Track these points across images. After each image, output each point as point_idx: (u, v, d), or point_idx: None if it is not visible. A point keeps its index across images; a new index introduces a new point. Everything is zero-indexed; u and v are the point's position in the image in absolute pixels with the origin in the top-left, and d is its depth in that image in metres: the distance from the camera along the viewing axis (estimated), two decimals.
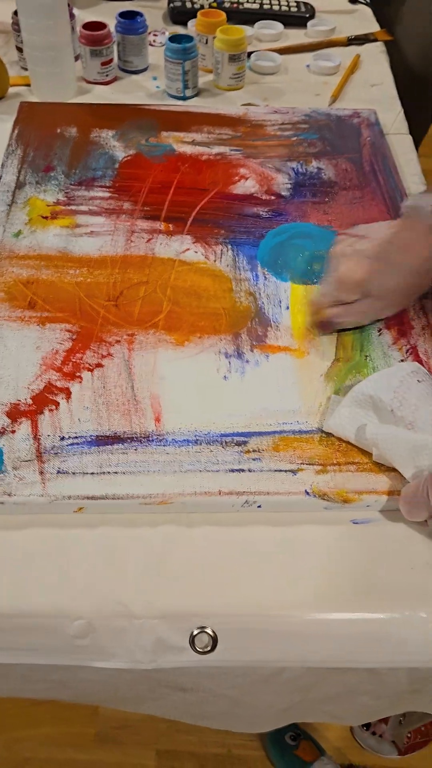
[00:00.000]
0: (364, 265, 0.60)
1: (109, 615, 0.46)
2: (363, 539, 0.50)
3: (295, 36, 1.05)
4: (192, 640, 0.45)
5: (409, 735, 1.13)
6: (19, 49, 0.92)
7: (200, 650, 0.45)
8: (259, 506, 0.50)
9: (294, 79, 0.96)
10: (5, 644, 0.46)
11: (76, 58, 0.93)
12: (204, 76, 0.95)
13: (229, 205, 0.74)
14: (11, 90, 0.91)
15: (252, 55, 0.97)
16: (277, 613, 0.46)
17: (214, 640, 0.45)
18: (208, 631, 0.46)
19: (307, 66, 0.98)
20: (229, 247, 0.69)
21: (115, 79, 0.94)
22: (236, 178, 0.77)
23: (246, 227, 0.72)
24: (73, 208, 0.72)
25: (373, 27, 1.07)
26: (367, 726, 1.13)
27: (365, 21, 1.10)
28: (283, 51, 1.00)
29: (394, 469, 0.51)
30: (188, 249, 0.69)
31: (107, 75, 0.92)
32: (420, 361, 0.59)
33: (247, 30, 1.01)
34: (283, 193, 0.76)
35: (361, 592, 0.47)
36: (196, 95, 0.92)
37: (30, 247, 0.67)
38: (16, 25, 0.90)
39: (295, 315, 0.63)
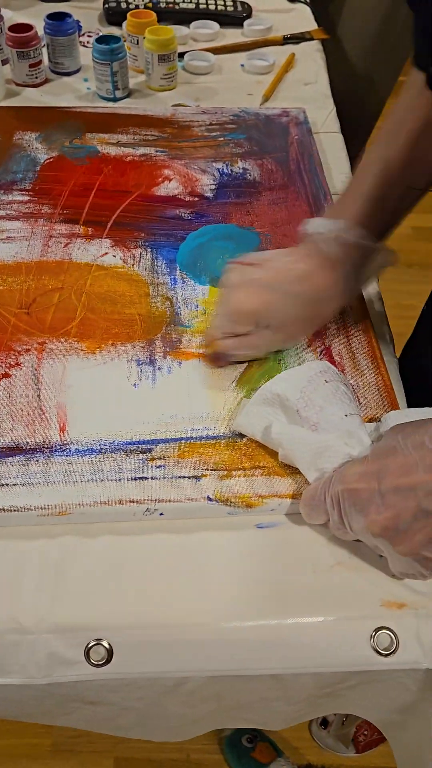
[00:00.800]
0: (259, 294, 0.57)
1: (0, 631, 0.45)
2: (267, 544, 0.49)
3: (232, 35, 1.04)
4: (87, 652, 0.45)
5: (365, 732, 1.13)
6: None
7: (95, 663, 0.45)
8: (161, 514, 0.49)
9: (227, 79, 0.95)
10: None
11: (5, 61, 0.92)
12: (136, 76, 0.94)
13: (151, 207, 0.73)
14: None
15: (186, 55, 0.96)
16: (175, 622, 0.45)
17: (110, 652, 0.45)
18: (104, 643, 0.45)
19: (242, 65, 0.98)
20: (149, 250, 0.69)
21: (45, 81, 0.93)
22: (160, 179, 0.76)
23: (167, 230, 0.71)
24: None
25: (311, 26, 1.07)
26: (325, 725, 1.12)
27: (303, 20, 1.09)
28: (217, 51, 0.99)
29: (298, 472, 0.51)
30: (106, 253, 0.68)
31: (36, 77, 0.91)
32: (333, 363, 0.59)
33: (182, 30, 1.01)
34: (206, 195, 0.75)
35: (263, 598, 0.47)
36: (127, 96, 0.91)
37: None
38: None
39: (210, 320, 0.63)
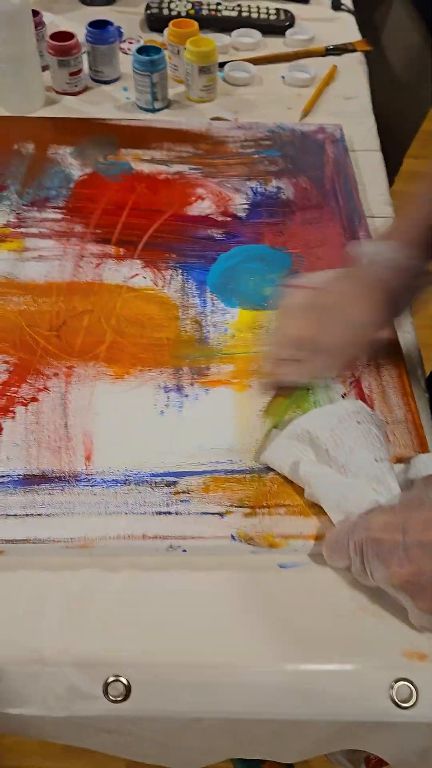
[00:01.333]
0: (316, 320, 0.57)
1: (22, 661, 0.45)
2: (289, 585, 0.49)
3: (273, 45, 1.03)
4: (105, 688, 0.45)
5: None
6: None
7: (114, 699, 0.45)
8: (183, 550, 0.49)
9: (267, 91, 0.94)
10: None
11: (45, 68, 0.92)
12: (176, 87, 0.94)
13: (183, 227, 0.73)
14: None
15: (226, 65, 0.95)
16: (193, 662, 0.45)
17: (128, 688, 0.45)
18: (122, 680, 0.45)
19: (282, 77, 0.96)
20: (180, 271, 0.68)
21: (84, 90, 0.93)
22: (193, 198, 0.76)
23: (198, 251, 0.70)
24: (23, 230, 0.71)
25: (354, 36, 1.05)
26: None
27: (347, 30, 1.07)
28: (258, 61, 0.98)
29: (323, 512, 0.50)
30: (137, 274, 0.68)
31: (76, 85, 0.91)
32: (362, 395, 0.58)
33: (224, 38, 1.00)
34: (239, 214, 0.74)
35: (281, 642, 0.46)
36: (166, 107, 0.91)
37: None
38: None
39: (239, 344, 0.62)
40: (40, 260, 0.68)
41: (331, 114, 0.90)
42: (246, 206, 0.75)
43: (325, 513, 0.50)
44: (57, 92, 0.91)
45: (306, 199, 0.76)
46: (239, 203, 0.76)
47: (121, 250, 0.70)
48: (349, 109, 0.91)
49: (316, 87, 0.93)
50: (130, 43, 1.00)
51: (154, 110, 0.89)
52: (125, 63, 0.95)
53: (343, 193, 0.76)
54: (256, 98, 0.92)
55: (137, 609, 0.47)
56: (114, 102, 0.91)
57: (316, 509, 0.51)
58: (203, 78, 0.89)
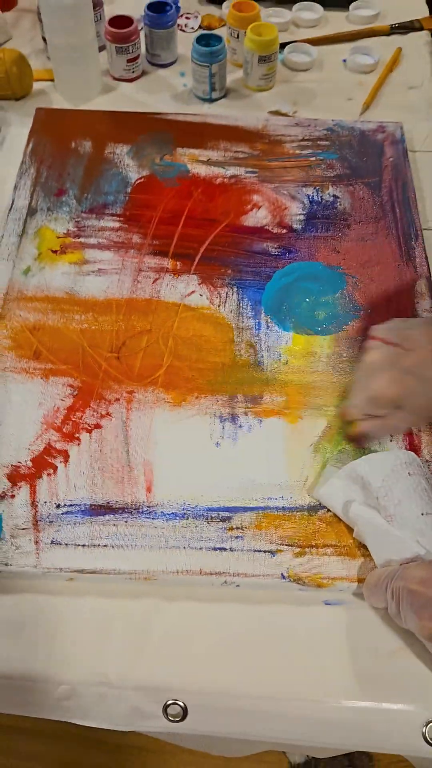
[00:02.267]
0: (400, 381, 0.57)
1: (90, 683, 0.50)
2: (333, 621, 0.53)
3: (336, 20, 0.98)
4: (165, 709, 0.50)
5: None
6: (45, 40, 0.90)
7: (172, 719, 0.50)
8: (237, 586, 0.53)
9: (328, 78, 0.91)
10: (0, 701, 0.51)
11: (101, 48, 0.89)
12: (234, 71, 0.91)
13: (239, 239, 0.73)
14: (36, 85, 0.89)
15: (286, 47, 0.92)
16: (243, 692, 0.50)
17: (185, 710, 0.50)
18: (180, 703, 0.50)
19: (344, 61, 0.92)
20: (235, 289, 0.69)
21: (141, 75, 0.91)
22: (248, 206, 0.76)
23: (254, 266, 0.71)
24: (83, 240, 0.72)
25: (422, 11, 0.99)
26: None
27: (414, 3, 1.01)
28: (319, 41, 0.94)
29: (368, 554, 0.53)
30: (193, 291, 0.69)
31: (133, 71, 0.89)
32: (410, 434, 0.60)
33: (284, 14, 0.96)
34: (295, 226, 0.74)
35: (325, 677, 0.51)
36: (223, 96, 0.89)
37: (38, 287, 0.68)
38: (40, 15, 0.86)
39: (292, 371, 0.64)
40: (100, 274, 0.70)
41: (393, 107, 0.87)
42: (302, 217, 0.75)
43: (369, 556, 0.53)
44: (114, 78, 0.89)
45: (363, 211, 0.75)
46: (295, 213, 0.75)
47: (178, 263, 0.71)
48: (411, 102, 0.88)
49: (379, 75, 0.90)
50: (187, 18, 0.96)
51: (211, 100, 0.88)
52: (183, 41, 0.92)
53: (401, 205, 0.75)
54: (316, 86, 0.89)
55: (193, 638, 0.52)
56: (171, 90, 0.89)
57: (363, 551, 0.54)
58: (263, 67, 0.86)
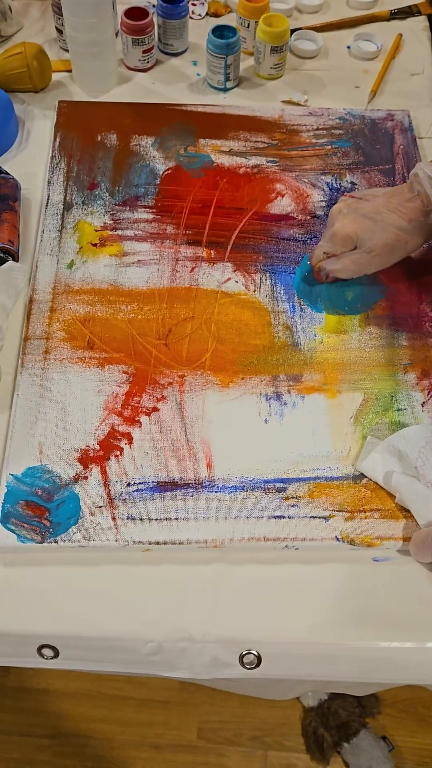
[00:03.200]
0: (356, 221, 0.68)
1: (174, 639, 0.57)
2: (382, 575, 0.60)
3: (337, 6, 1.01)
4: (241, 658, 0.57)
5: None
6: (59, 31, 0.91)
7: (248, 666, 0.57)
8: (296, 549, 0.60)
9: (334, 66, 0.95)
10: (94, 658, 0.57)
11: (117, 34, 0.91)
12: (245, 59, 0.94)
13: (267, 227, 0.78)
14: (54, 77, 0.91)
15: (293, 35, 0.95)
16: (308, 639, 0.57)
17: (259, 659, 0.57)
18: (254, 652, 0.57)
19: (348, 47, 0.96)
20: (268, 275, 0.74)
21: (155, 64, 0.93)
22: (273, 195, 0.80)
23: (283, 252, 0.76)
24: (120, 233, 0.76)
25: None
26: None
27: None
28: (323, 28, 0.97)
29: (411, 516, 0.60)
30: (229, 278, 0.74)
31: (148, 62, 0.92)
32: None
33: (288, 0, 0.99)
34: (317, 213, 0.79)
35: (378, 622, 0.58)
36: (237, 85, 0.92)
37: (83, 280, 0.72)
38: (56, 7, 0.88)
39: (328, 350, 0.70)
40: (140, 265, 0.74)
41: (398, 95, 0.91)
42: (323, 204, 0.80)
43: (412, 517, 0.60)
44: (129, 68, 0.92)
45: None
46: (317, 200, 0.80)
47: (212, 252, 0.75)
48: (415, 89, 0.92)
49: (382, 62, 0.94)
50: (193, 4, 0.99)
51: (225, 89, 0.91)
52: (192, 32, 0.95)
53: None
54: (324, 74, 0.93)
55: (261, 596, 0.58)
56: (185, 80, 0.92)
57: (404, 513, 0.61)
58: (275, 57, 0.90)
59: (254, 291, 0.73)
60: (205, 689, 1.24)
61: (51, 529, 0.58)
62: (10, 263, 0.70)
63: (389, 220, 0.67)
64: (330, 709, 1.18)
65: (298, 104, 0.89)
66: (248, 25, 0.91)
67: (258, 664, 0.57)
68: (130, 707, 1.23)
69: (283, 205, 0.80)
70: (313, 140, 0.85)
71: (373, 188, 0.72)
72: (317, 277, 0.73)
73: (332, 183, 0.82)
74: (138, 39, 0.88)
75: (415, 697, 1.24)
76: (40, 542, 0.58)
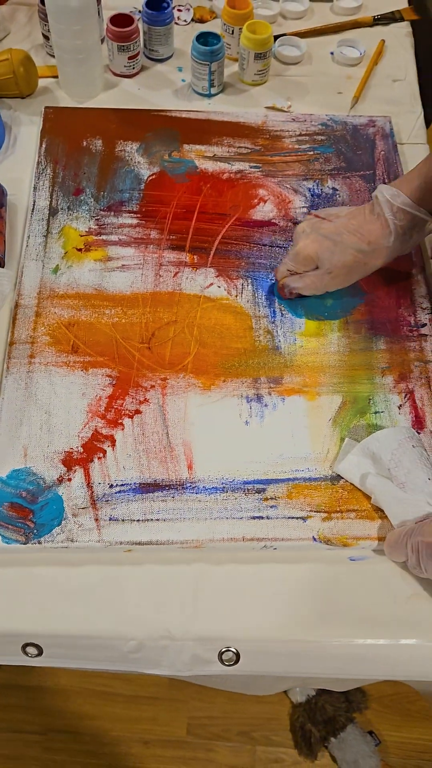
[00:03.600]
0: (318, 242, 0.70)
1: (155, 637, 0.58)
2: (357, 574, 0.61)
3: (321, 12, 1.02)
4: (220, 656, 0.58)
5: None
6: (46, 37, 0.92)
7: (226, 663, 0.58)
8: (274, 548, 0.61)
9: (318, 71, 0.96)
10: (77, 656, 0.59)
11: (103, 40, 0.92)
12: (229, 65, 0.95)
13: (249, 233, 0.79)
14: (40, 83, 0.92)
15: (277, 41, 0.96)
16: (286, 637, 0.59)
17: (237, 656, 0.58)
18: (233, 649, 0.58)
19: (332, 53, 0.98)
20: (249, 281, 0.76)
21: (141, 70, 0.94)
22: (255, 200, 0.82)
23: (264, 258, 0.77)
24: (104, 238, 0.77)
25: (402, 1, 1.04)
26: None
27: None
28: (306, 34, 0.99)
29: (385, 517, 0.62)
30: (212, 284, 0.75)
31: (133, 68, 0.93)
32: (415, 408, 0.68)
33: (272, 6, 1.00)
34: (299, 219, 0.81)
35: (353, 619, 0.59)
36: (221, 91, 0.93)
37: (68, 284, 0.74)
38: (42, 14, 0.89)
39: (308, 353, 0.71)
40: (124, 270, 0.75)
41: (380, 101, 0.93)
42: (305, 209, 0.81)
43: (386, 518, 0.62)
44: (114, 74, 0.93)
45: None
46: (299, 206, 0.82)
47: (195, 257, 0.77)
48: (397, 95, 0.94)
49: (365, 68, 0.95)
50: (179, 10, 1.00)
51: (210, 95, 0.92)
52: (177, 35, 0.96)
53: None
54: (307, 80, 0.95)
55: (240, 595, 0.60)
56: (170, 86, 0.93)
57: (380, 514, 0.62)
58: (258, 63, 0.91)
59: (236, 296, 0.75)
60: (194, 686, 1.25)
61: (35, 530, 0.60)
62: None
63: (349, 242, 0.69)
64: (317, 704, 1.20)
65: (282, 110, 0.91)
66: (233, 31, 0.93)
67: (237, 661, 0.58)
68: (118, 703, 1.25)
69: (265, 211, 0.81)
70: (296, 146, 0.86)
71: (338, 207, 0.74)
72: (281, 293, 0.74)
73: (314, 189, 0.83)
74: (123, 45, 0.89)
75: (400, 692, 1.26)
76: (24, 543, 0.59)
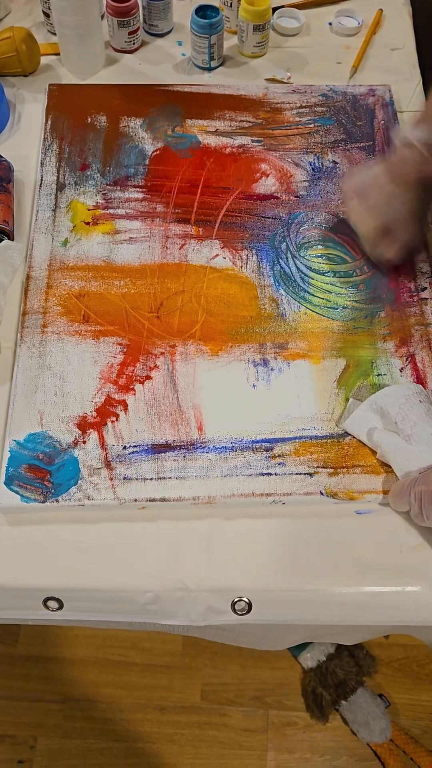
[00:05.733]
0: (371, 216, 0.73)
1: (170, 589, 0.61)
2: (364, 526, 0.64)
3: None
4: (233, 606, 0.61)
5: None
6: (46, 14, 0.94)
7: (239, 613, 0.61)
8: (283, 503, 0.64)
9: (316, 42, 0.97)
10: (96, 609, 0.61)
11: (102, 16, 0.93)
12: (229, 38, 0.96)
13: (252, 206, 0.81)
14: (42, 60, 0.93)
15: (275, 12, 0.97)
16: (296, 587, 0.61)
17: (249, 605, 0.61)
18: (245, 599, 0.61)
19: (330, 24, 0.98)
20: (253, 252, 0.77)
21: (141, 46, 0.96)
22: (258, 175, 0.83)
23: (268, 230, 0.79)
24: (111, 211, 0.79)
25: None
26: None
27: None
28: (305, 5, 1.00)
29: (390, 471, 0.64)
30: (217, 255, 0.77)
31: (134, 43, 0.94)
32: (417, 370, 0.70)
33: None
34: (300, 193, 0.82)
35: (360, 569, 0.62)
36: (221, 64, 0.94)
37: (77, 257, 0.76)
38: None
39: (312, 320, 0.73)
40: (132, 242, 0.77)
41: (379, 70, 0.94)
42: (306, 183, 0.83)
43: (391, 472, 0.64)
44: (115, 50, 0.94)
45: None
46: (300, 180, 0.83)
47: (200, 230, 0.79)
48: (395, 64, 0.95)
49: (363, 38, 0.96)
50: None
51: (210, 69, 0.93)
52: (178, 10, 0.97)
53: None
54: (306, 51, 0.96)
55: (251, 548, 0.62)
56: (171, 60, 0.94)
57: (385, 468, 0.65)
58: (257, 35, 0.92)
59: (241, 267, 0.77)
60: (207, 654, 1.29)
61: (52, 490, 0.62)
62: (5, 242, 0.73)
63: (394, 195, 0.71)
64: (328, 669, 1.23)
65: (282, 82, 0.92)
66: (231, 4, 0.94)
67: (249, 611, 0.61)
68: (134, 672, 1.28)
69: (267, 185, 0.83)
70: (297, 118, 0.88)
71: (361, 173, 0.75)
72: (392, 273, 0.77)
73: (314, 162, 0.85)
74: (123, 21, 0.90)
75: (409, 656, 1.29)
76: (43, 502, 0.62)
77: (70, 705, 1.25)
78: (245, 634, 0.70)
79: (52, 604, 0.61)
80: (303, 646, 1.25)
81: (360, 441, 0.66)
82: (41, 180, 0.81)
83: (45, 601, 0.61)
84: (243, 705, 1.25)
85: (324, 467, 0.65)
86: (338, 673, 1.22)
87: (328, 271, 0.76)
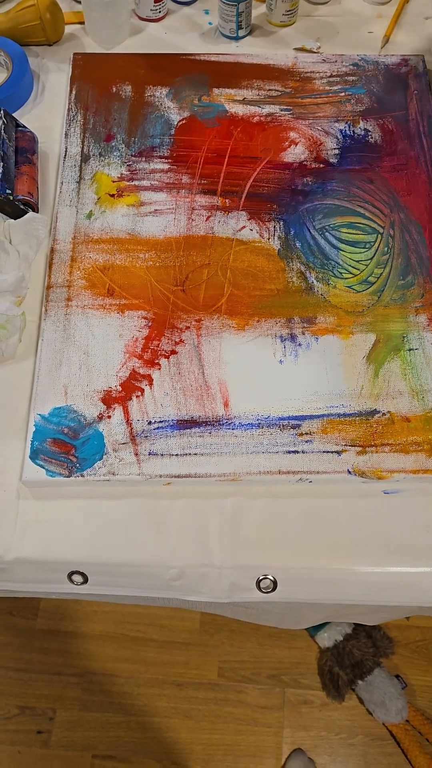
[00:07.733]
0: None
1: (195, 565, 0.60)
2: (392, 507, 0.63)
3: None
4: (258, 583, 0.60)
5: None
6: None
7: (264, 591, 0.60)
8: (310, 482, 0.63)
9: (347, 11, 0.94)
10: (121, 584, 0.61)
11: None
12: (257, 7, 0.93)
13: (280, 175, 0.79)
14: (66, 29, 0.91)
15: None
16: (320, 565, 0.60)
17: (275, 583, 0.60)
18: (270, 577, 0.60)
19: None
20: (281, 223, 0.76)
21: (167, 14, 0.93)
22: (286, 143, 0.81)
23: (296, 201, 0.77)
24: (136, 183, 0.78)
25: None
26: None
27: None
28: None
29: (419, 450, 0.63)
30: (244, 227, 0.75)
31: (160, 11, 0.92)
32: None
33: None
34: (331, 160, 0.80)
35: (387, 549, 0.61)
36: (249, 34, 0.92)
37: (102, 229, 0.74)
38: None
39: (341, 293, 0.72)
40: (157, 215, 0.76)
41: (412, 38, 0.91)
42: (336, 151, 0.81)
43: (421, 450, 0.63)
44: (141, 18, 0.92)
45: (392, 144, 0.81)
46: (330, 148, 0.81)
47: (227, 201, 0.77)
48: (430, 32, 0.91)
49: (396, 5, 0.93)
50: None
51: (237, 38, 0.91)
52: None
53: (428, 137, 0.81)
54: (337, 20, 0.93)
55: (276, 526, 0.62)
56: (197, 29, 0.92)
57: (414, 447, 0.63)
58: (286, 3, 0.89)
59: (268, 239, 0.75)
60: (224, 631, 1.30)
61: (78, 465, 0.62)
62: (30, 214, 0.72)
63: None
64: (345, 649, 1.23)
65: (311, 51, 0.89)
66: None
67: (274, 589, 0.60)
68: (152, 648, 1.29)
69: (296, 153, 0.81)
70: (327, 87, 0.85)
71: None
72: None
73: (345, 130, 0.82)
74: None
75: (427, 638, 1.29)
76: (68, 476, 0.61)
77: (89, 678, 1.27)
78: (268, 611, 0.69)
79: (77, 578, 0.61)
80: (320, 626, 1.25)
81: (390, 418, 0.65)
82: (65, 151, 0.79)
83: (70, 575, 0.61)
84: (259, 683, 1.26)
85: (352, 445, 0.64)
86: (355, 654, 1.22)
87: (359, 242, 0.75)
